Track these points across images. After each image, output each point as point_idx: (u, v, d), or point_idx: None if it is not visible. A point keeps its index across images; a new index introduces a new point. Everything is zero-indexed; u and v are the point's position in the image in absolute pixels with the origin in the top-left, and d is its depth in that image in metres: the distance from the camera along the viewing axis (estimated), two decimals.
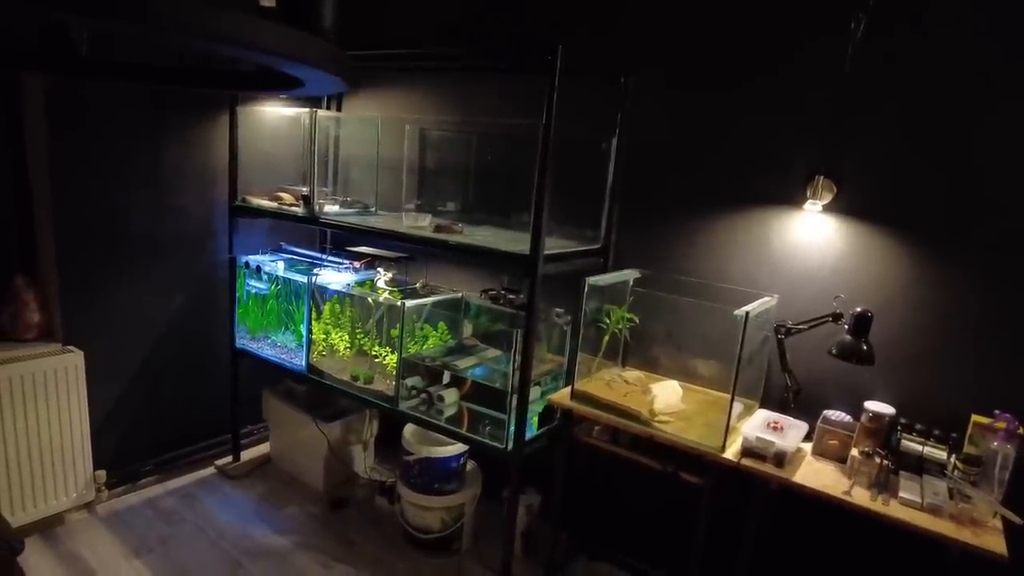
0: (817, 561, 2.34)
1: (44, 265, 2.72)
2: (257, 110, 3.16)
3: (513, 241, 2.43)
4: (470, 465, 2.84)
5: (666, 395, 2.25)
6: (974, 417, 1.91)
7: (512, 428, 2.32)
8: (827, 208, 2.18)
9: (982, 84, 1.92)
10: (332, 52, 0.64)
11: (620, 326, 2.45)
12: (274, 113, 3.23)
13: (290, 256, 3.24)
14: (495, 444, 2.38)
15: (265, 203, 3.01)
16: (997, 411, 1.86)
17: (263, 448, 3.48)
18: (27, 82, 2.56)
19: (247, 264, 3.08)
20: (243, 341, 3.19)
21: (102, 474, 2.87)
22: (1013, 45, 1.87)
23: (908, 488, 1.86)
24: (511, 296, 2.71)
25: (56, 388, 2.60)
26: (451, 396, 2.55)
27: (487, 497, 2.85)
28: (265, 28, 0.59)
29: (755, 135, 2.32)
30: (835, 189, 2.15)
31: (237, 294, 3.14)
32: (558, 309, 2.65)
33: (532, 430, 2.43)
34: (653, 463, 2.17)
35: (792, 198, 2.25)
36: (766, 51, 2.27)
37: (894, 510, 1.78)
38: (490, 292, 2.78)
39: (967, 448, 1.91)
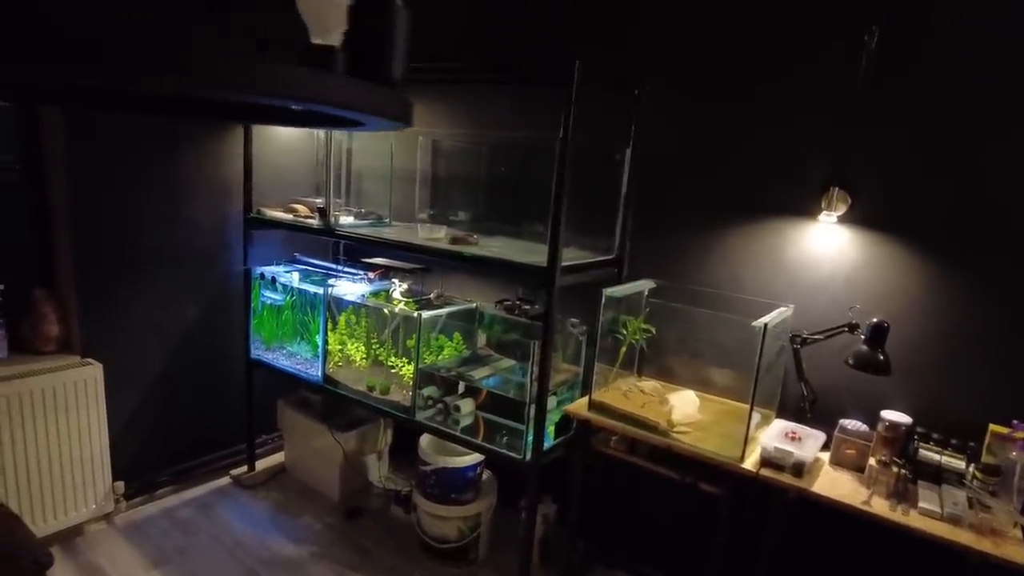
0: (836, 572, 2.34)
1: (62, 278, 2.74)
2: None
3: (526, 251, 2.45)
4: (486, 475, 2.85)
5: (683, 405, 2.26)
6: (992, 426, 1.92)
7: (530, 438, 2.34)
8: (842, 219, 2.20)
9: (993, 96, 1.94)
10: (404, 103, 0.66)
11: (637, 337, 2.47)
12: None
13: (304, 267, 3.26)
14: (513, 454, 2.40)
15: (280, 215, 3.03)
16: (1016, 421, 1.88)
17: (278, 458, 3.50)
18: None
19: (262, 275, 3.11)
20: (258, 352, 3.21)
21: (120, 485, 2.88)
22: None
23: (927, 498, 1.87)
24: (526, 306, 2.72)
25: (76, 401, 2.63)
26: (467, 406, 2.57)
27: (503, 506, 2.87)
28: (356, 87, 0.61)
29: (768, 146, 2.33)
30: (850, 200, 2.17)
31: (252, 305, 3.17)
32: (573, 319, 2.67)
33: (549, 440, 2.45)
34: (672, 473, 2.18)
35: (806, 209, 2.26)
36: (779, 63, 2.29)
37: (914, 520, 1.80)
38: (505, 303, 2.80)
39: (985, 458, 1.92)
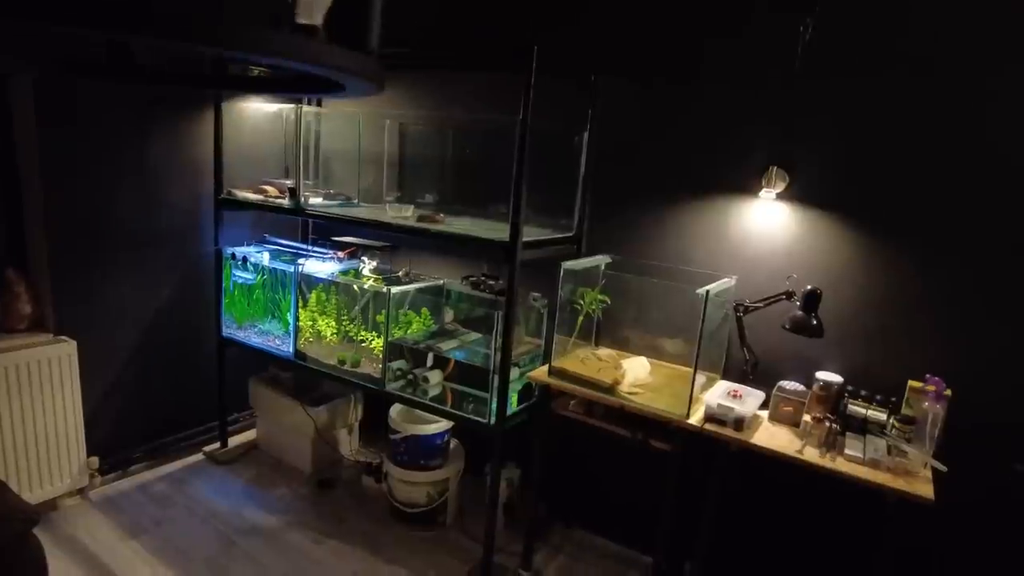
0: (775, 517, 2.55)
1: (35, 258, 2.78)
2: (240, 106, 3.26)
3: (491, 230, 2.58)
4: (453, 443, 2.99)
5: (635, 370, 2.43)
6: (910, 382, 2.13)
7: (495, 404, 2.49)
8: (780, 196, 2.39)
9: (916, 85, 2.14)
10: (379, 70, 0.78)
11: (593, 307, 2.63)
12: (256, 109, 3.33)
13: (274, 247, 3.34)
14: (479, 419, 2.54)
15: (251, 196, 3.11)
16: (928, 375, 2.09)
17: (250, 434, 3.59)
18: (15, 78, 2.63)
19: (233, 255, 3.19)
20: (230, 330, 3.29)
21: (95, 460, 2.95)
22: (945, 50, 2.09)
23: (853, 446, 2.07)
24: (491, 282, 2.86)
25: (51, 377, 2.68)
26: (435, 377, 2.70)
27: (470, 473, 3.02)
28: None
29: (714, 129, 2.51)
30: (787, 178, 2.35)
31: (223, 284, 3.24)
32: (535, 293, 2.82)
33: (512, 407, 2.60)
34: (625, 432, 2.35)
35: (749, 187, 2.45)
36: (724, 52, 2.46)
37: (840, 465, 1.99)
38: (470, 278, 2.94)
39: (904, 410, 2.13)
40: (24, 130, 2.66)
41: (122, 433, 3.11)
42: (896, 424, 2.09)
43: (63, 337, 2.77)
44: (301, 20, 0.82)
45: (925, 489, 1.87)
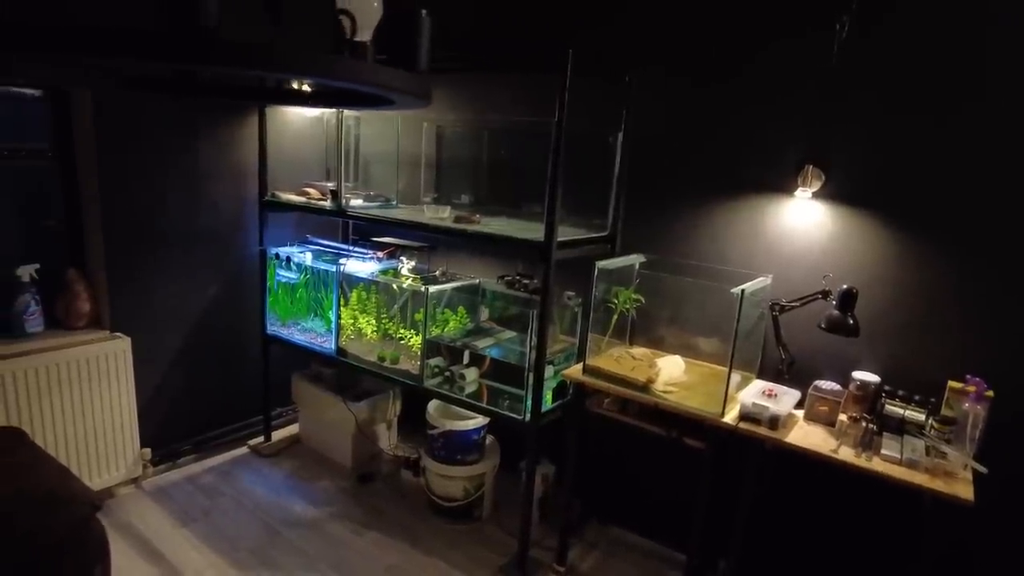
0: (809, 517, 2.55)
1: (93, 258, 2.93)
2: (282, 111, 3.37)
3: (526, 230, 2.63)
4: (489, 439, 3.05)
5: (670, 368, 2.45)
6: (949, 382, 2.11)
7: (530, 401, 2.53)
8: (816, 195, 2.38)
9: (954, 82, 2.12)
10: (428, 87, 0.84)
11: (628, 306, 2.65)
12: (297, 114, 3.44)
13: (316, 248, 3.45)
14: (514, 415, 2.60)
15: (293, 198, 3.22)
16: (968, 376, 2.06)
17: (292, 429, 3.71)
18: (77, 91, 2.77)
19: (277, 256, 3.30)
20: (274, 328, 3.40)
21: (148, 451, 3.09)
22: (978, 47, 2.06)
23: (889, 446, 2.06)
24: (525, 281, 2.91)
25: (107, 371, 2.82)
26: (471, 374, 2.76)
27: (505, 470, 3.07)
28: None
29: (749, 128, 2.51)
30: (823, 177, 2.35)
31: (268, 284, 3.36)
32: (569, 292, 2.85)
33: (547, 404, 2.64)
34: (659, 430, 2.37)
35: (784, 186, 2.44)
36: (759, 51, 2.46)
37: (876, 465, 1.99)
38: (505, 278, 2.99)
39: (944, 410, 2.11)
40: (83, 138, 2.80)
41: (171, 426, 3.25)
42: (935, 425, 2.07)
43: (118, 334, 2.91)
44: (356, 38, 0.88)
45: (965, 490, 1.86)
